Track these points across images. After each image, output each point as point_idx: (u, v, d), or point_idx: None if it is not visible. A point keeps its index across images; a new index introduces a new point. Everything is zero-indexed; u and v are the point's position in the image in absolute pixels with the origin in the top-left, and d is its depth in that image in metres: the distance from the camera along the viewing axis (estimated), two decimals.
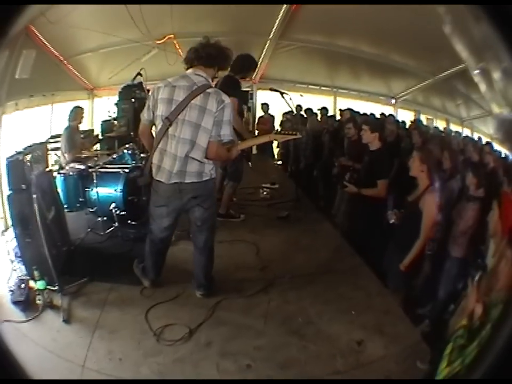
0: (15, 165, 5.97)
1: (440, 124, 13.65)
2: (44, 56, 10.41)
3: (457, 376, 2.98)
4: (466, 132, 12.20)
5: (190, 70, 5.45)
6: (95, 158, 8.83)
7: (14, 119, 9.18)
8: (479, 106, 12.62)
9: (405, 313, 5.70)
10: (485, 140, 10.09)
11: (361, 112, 11.05)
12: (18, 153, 6.16)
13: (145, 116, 5.55)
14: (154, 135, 5.61)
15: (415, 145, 7.56)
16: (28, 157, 6.16)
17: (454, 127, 13.12)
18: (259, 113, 14.46)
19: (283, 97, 8.45)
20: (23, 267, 6.11)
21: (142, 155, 8.49)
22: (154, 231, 5.85)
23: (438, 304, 6.42)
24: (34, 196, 5.76)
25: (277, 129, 7.14)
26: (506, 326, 2.48)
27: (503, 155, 7.63)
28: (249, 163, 8.74)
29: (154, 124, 5.53)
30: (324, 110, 13.08)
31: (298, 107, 12.32)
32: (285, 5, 11.38)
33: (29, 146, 6.50)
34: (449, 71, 12.18)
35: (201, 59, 5.44)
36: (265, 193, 10.07)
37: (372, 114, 8.33)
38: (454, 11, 3.02)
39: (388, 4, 9.23)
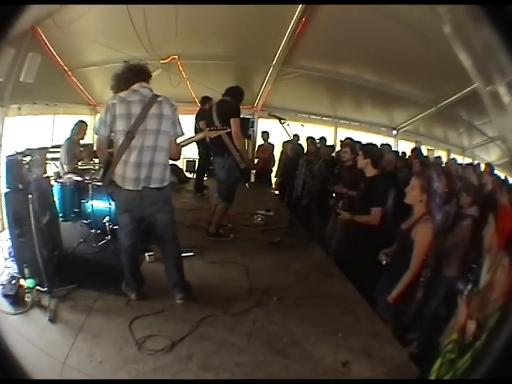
0: (14, 164, 6.12)
1: (441, 154, 13.74)
2: (49, 63, 10.65)
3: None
4: (467, 161, 12.29)
5: (136, 85, 5.74)
6: (92, 171, 8.86)
7: (16, 123, 9.43)
8: (481, 133, 12.72)
9: (394, 337, 5.72)
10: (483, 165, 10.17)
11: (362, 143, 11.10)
12: (19, 153, 6.35)
13: (101, 132, 5.78)
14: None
15: (415, 172, 7.53)
16: (27, 159, 6.31)
17: (454, 157, 13.21)
18: (259, 141, 14.48)
19: (281, 123, 8.58)
20: (15, 266, 6.24)
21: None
22: (122, 240, 6.11)
23: (429, 324, 6.54)
24: (29, 196, 5.88)
25: (211, 127, 7.24)
26: (503, 331, 2.45)
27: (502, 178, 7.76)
28: (246, 184, 8.82)
29: (112, 139, 5.80)
30: (322, 139, 13.08)
31: (296, 137, 12.30)
32: (289, 28, 11.46)
33: (28, 149, 6.65)
34: (452, 98, 12.30)
35: (140, 74, 5.86)
36: (259, 219, 10.11)
37: (371, 143, 8.32)
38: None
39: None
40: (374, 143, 8.66)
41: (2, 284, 5.96)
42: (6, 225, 6.58)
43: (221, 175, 8.54)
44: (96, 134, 5.98)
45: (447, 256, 6.56)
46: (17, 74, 9.54)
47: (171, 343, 5.19)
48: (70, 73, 11.91)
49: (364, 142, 9.38)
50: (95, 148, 6.38)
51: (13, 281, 5.99)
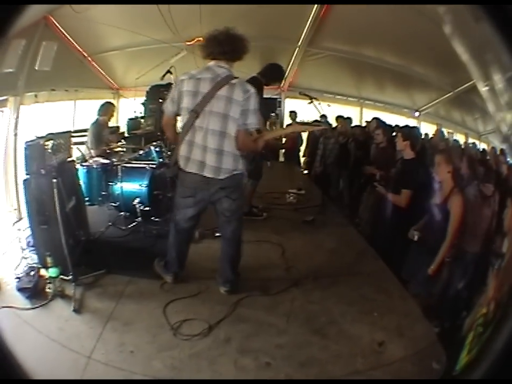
0: (35, 149, 5.85)
1: (460, 138, 13.52)
2: (66, 50, 10.42)
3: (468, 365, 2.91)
4: (483, 146, 12.09)
5: (212, 63, 5.41)
6: (121, 153, 8.73)
7: (33, 111, 9.22)
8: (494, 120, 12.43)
9: (424, 316, 5.55)
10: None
11: (387, 123, 10.84)
12: (39, 138, 6.03)
13: (169, 107, 5.49)
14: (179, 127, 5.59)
15: (439, 150, 7.35)
16: (49, 143, 6.02)
17: (474, 141, 13.04)
18: (287, 121, 14.22)
19: (312, 101, 8.23)
20: (34, 256, 6.01)
21: (169, 152, 8.32)
22: (179, 221, 5.71)
23: (458, 303, 6.22)
24: (54, 180, 5.59)
25: (302, 120, 6.98)
26: (503, 331, 2.44)
27: None
28: (268, 163, 8.53)
29: (179, 116, 5.51)
30: (348, 119, 12.98)
31: (323, 117, 12.12)
32: (313, 10, 11.36)
33: (50, 133, 6.32)
34: (468, 84, 12.05)
35: (226, 54, 5.40)
36: (291, 198, 9.86)
37: (409, 126, 8.14)
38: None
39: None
40: (411, 126, 8.43)
41: (18, 277, 5.67)
42: (23, 215, 6.46)
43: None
44: (163, 110, 5.65)
45: (474, 235, 6.30)
46: (32, 63, 9.33)
47: (208, 326, 4.95)
48: (89, 59, 11.67)
49: (401, 125, 9.26)
50: (162, 125, 5.98)
51: (32, 272, 5.70)
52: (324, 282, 6.17)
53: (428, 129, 13.31)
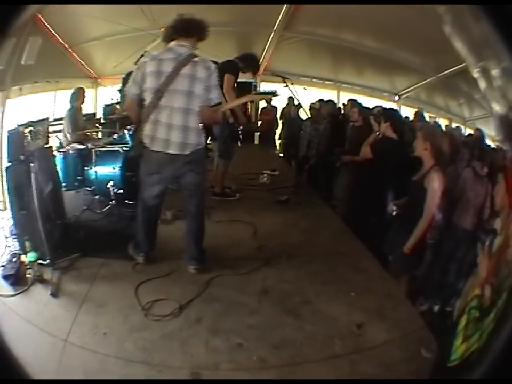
0: (15, 136, 5.89)
1: (443, 123, 13.46)
2: (49, 43, 10.34)
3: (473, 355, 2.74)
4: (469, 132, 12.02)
5: (173, 43, 5.45)
6: (96, 138, 8.76)
7: (18, 103, 9.15)
8: (481, 106, 12.36)
9: (408, 296, 5.49)
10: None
11: (364, 105, 10.75)
12: (20, 125, 6.09)
13: (132, 90, 5.48)
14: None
15: (418, 127, 7.31)
16: (28, 130, 6.02)
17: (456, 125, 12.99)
18: (262, 104, 14.18)
19: (287, 85, 8.17)
20: (17, 243, 5.97)
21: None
22: (145, 199, 5.74)
23: (448, 284, 6.34)
24: (31, 164, 5.60)
25: (257, 90, 6.99)
26: (503, 331, 2.38)
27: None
28: (239, 142, 8.47)
29: (142, 97, 5.43)
30: (321, 101, 12.58)
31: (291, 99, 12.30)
32: None
33: (30, 121, 6.33)
34: (452, 69, 11.96)
35: (181, 31, 5.48)
36: (265, 178, 9.75)
37: (391, 108, 8.10)
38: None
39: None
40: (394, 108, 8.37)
41: (2, 266, 5.61)
42: (7, 205, 6.34)
43: (215, 131, 8.27)
44: (126, 93, 5.71)
45: (465, 210, 6.39)
46: (18, 59, 9.26)
47: (179, 306, 4.86)
48: (70, 50, 11.59)
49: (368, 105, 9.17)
50: (125, 107, 6.10)
51: (14, 259, 5.67)
52: (297, 261, 6.09)
53: (408, 113, 13.28)
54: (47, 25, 9.88)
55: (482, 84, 2.91)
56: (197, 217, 5.75)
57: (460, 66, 11.28)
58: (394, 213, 5.83)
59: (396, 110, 8.06)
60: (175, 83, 5.22)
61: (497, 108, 2.71)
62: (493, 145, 8.83)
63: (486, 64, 2.71)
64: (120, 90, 10.24)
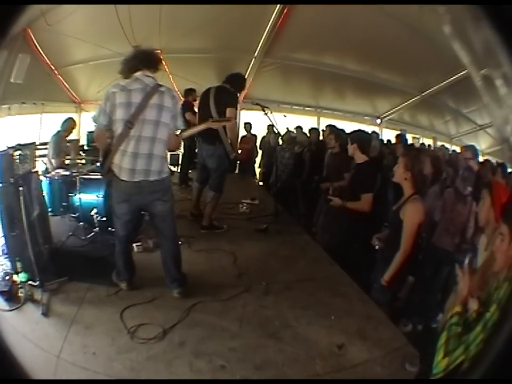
0: (5, 159, 6.03)
1: (428, 142, 13.65)
2: (37, 63, 10.55)
3: (462, 367, 2.83)
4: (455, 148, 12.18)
5: (139, 73, 5.55)
6: (80, 165, 8.92)
7: (6, 123, 9.35)
8: (469, 120, 12.62)
9: (389, 318, 5.62)
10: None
11: (345, 131, 10.93)
12: (9, 148, 6.25)
13: (100, 121, 5.59)
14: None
15: (399, 153, 7.44)
16: (17, 153, 6.24)
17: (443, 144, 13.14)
18: (242, 132, 14.44)
19: (266, 113, 8.41)
20: (8, 262, 6.13)
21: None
22: (118, 229, 5.97)
23: (431, 304, 6.59)
24: (21, 188, 5.80)
25: (214, 118, 7.21)
26: (503, 331, 2.41)
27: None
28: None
29: (111, 128, 5.60)
30: (298, 128, 13.01)
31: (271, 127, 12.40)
32: (270, 21, 11.53)
33: (19, 144, 6.56)
34: (437, 86, 12.19)
35: (144, 62, 5.62)
36: (244, 207, 10.00)
37: (359, 130, 8.15)
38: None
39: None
40: (362, 129, 8.40)
41: None
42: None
43: (211, 164, 8.35)
44: (95, 122, 5.73)
45: (445, 231, 6.63)
46: (8, 76, 9.46)
47: (163, 330, 5.05)
48: (56, 72, 11.78)
49: (349, 130, 9.22)
50: (94, 137, 6.11)
51: (7, 277, 5.85)
52: (277, 287, 6.27)
53: (391, 136, 13.37)
54: (36, 42, 10.10)
55: (483, 92, 2.93)
56: (173, 240, 5.96)
57: (446, 83, 11.64)
58: (377, 246, 5.95)
59: (364, 131, 7.97)
60: (144, 113, 5.41)
61: (503, 126, 2.72)
62: (480, 159, 9.08)
63: (488, 72, 2.72)
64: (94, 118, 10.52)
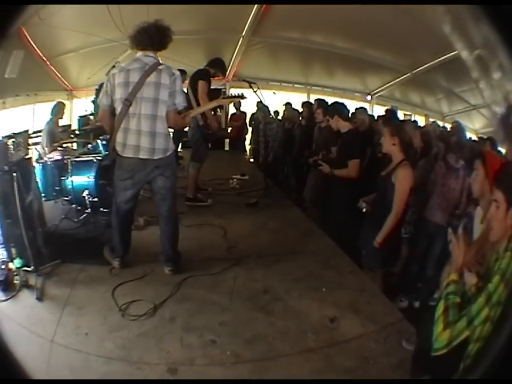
0: (0, 148, 5.98)
1: (419, 119, 13.51)
2: (30, 56, 10.44)
3: (468, 350, 2.70)
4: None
5: (140, 53, 5.54)
6: (72, 149, 8.90)
7: (1, 117, 9.29)
8: (463, 100, 12.44)
9: (384, 292, 5.54)
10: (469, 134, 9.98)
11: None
12: (4, 137, 6.23)
13: (103, 101, 5.62)
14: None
15: (383, 122, 7.30)
16: (10, 141, 6.21)
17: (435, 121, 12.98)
18: (232, 110, 14.43)
19: (252, 87, 8.33)
20: (4, 252, 5.97)
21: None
22: (119, 204, 5.86)
23: (427, 279, 6.48)
24: (14, 174, 5.71)
25: (225, 95, 7.15)
26: (503, 331, 2.29)
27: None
28: (209, 144, 8.58)
29: (114, 108, 5.58)
30: (287, 105, 12.81)
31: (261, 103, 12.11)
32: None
33: (13, 132, 6.54)
34: (428, 64, 12.02)
35: (155, 44, 5.57)
36: (234, 183, 9.97)
37: (336, 102, 7.99)
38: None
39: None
40: (338, 101, 8.27)
41: None
42: None
43: (188, 135, 8.55)
44: (99, 104, 5.80)
45: (432, 203, 6.53)
46: (2, 72, 9.36)
47: (153, 306, 4.98)
48: (48, 63, 11.69)
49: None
50: (99, 117, 6.27)
51: (3, 266, 5.75)
52: (267, 260, 6.21)
53: (382, 112, 13.16)
54: (28, 37, 9.99)
55: (481, 84, 2.73)
56: (169, 220, 5.87)
57: (438, 61, 11.46)
58: (364, 209, 5.88)
59: (338, 102, 7.86)
60: (142, 91, 5.38)
61: (497, 108, 2.60)
62: (474, 138, 8.96)
63: (482, 54, 2.55)
64: (93, 101, 10.34)
